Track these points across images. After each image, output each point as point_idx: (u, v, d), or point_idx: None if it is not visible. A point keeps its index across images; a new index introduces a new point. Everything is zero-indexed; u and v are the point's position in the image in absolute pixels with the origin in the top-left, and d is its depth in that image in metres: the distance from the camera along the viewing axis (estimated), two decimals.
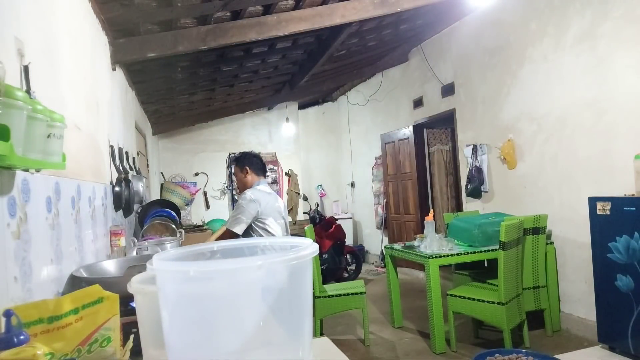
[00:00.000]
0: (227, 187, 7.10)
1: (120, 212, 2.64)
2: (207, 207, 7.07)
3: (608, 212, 2.70)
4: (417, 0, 3.60)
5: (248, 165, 2.80)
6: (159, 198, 5.21)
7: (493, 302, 3.08)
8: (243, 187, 2.81)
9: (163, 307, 0.70)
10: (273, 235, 2.66)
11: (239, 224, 2.56)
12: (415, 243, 3.84)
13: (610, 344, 2.75)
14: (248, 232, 2.63)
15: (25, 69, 1.14)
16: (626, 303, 2.59)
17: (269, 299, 0.69)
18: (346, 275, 6.14)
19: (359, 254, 6.59)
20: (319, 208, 7.45)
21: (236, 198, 6.92)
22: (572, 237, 3.58)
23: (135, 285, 0.87)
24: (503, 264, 3.05)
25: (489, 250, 3.46)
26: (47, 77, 1.41)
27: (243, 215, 2.57)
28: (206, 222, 6.49)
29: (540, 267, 3.53)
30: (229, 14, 3.05)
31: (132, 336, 0.93)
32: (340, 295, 3.67)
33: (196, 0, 2.65)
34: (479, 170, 4.58)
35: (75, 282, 1.33)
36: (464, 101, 4.88)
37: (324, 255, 5.80)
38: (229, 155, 7.04)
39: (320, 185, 8.08)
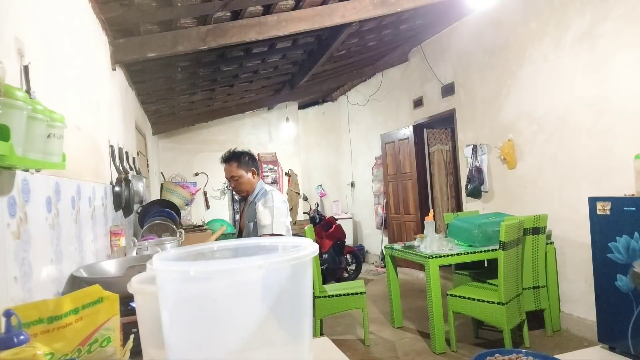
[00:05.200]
0: (227, 187, 7.10)
1: (120, 212, 2.64)
2: (207, 207, 7.07)
3: (608, 212, 2.70)
4: (417, 0, 3.60)
5: (255, 167, 2.69)
6: (159, 198, 5.21)
7: (493, 302, 3.08)
8: (250, 188, 2.65)
9: (163, 307, 0.70)
10: (290, 233, 2.67)
11: (284, 227, 2.51)
12: (415, 243, 3.83)
13: (610, 344, 2.75)
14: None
15: (25, 69, 1.14)
16: (626, 303, 2.60)
17: (269, 299, 0.69)
18: (346, 275, 6.14)
19: (359, 254, 6.59)
20: (319, 208, 7.45)
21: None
22: (572, 237, 3.57)
23: (135, 285, 0.87)
24: (503, 264, 3.05)
25: (489, 250, 3.46)
26: (47, 77, 1.41)
27: (283, 216, 2.53)
28: (206, 222, 6.49)
29: (540, 267, 3.53)
30: (229, 14, 3.04)
31: (132, 336, 0.93)
32: (340, 295, 3.67)
33: (196, 0, 2.65)
34: (479, 170, 4.58)
35: (75, 282, 1.33)
36: (464, 101, 4.88)
37: (324, 255, 5.80)
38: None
39: (320, 185, 8.08)
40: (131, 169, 3.07)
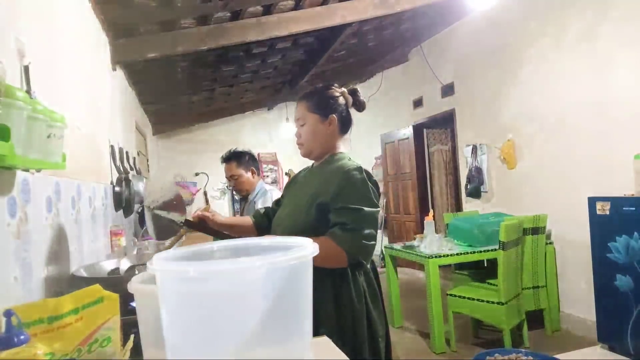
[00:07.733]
0: (227, 187, 7.10)
1: (120, 212, 2.64)
2: None
3: (608, 212, 2.70)
4: (417, 0, 3.60)
5: (255, 166, 2.71)
6: None
7: (493, 302, 3.08)
8: (249, 187, 2.68)
9: (163, 307, 0.70)
10: None
11: None
12: (415, 243, 3.83)
13: (610, 344, 2.75)
14: None
15: (26, 69, 1.14)
16: (626, 303, 2.60)
17: (269, 298, 0.69)
18: None
19: None
20: None
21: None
22: (572, 237, 3.57)
23: (135, 285, 0.87)
24: (503, 264, 3.05)
25: (488, 250, 3.46)
26: (47, 77, 1.41)
27: None
28: None
29: (540, 267, 3.53)
30: (229, 14, 3.04)
31: (132, 336, 0.93)
32: None
33: (196, 0, 2.65)
34: (478, 170, 4.58)
35: (75, 282, 1.33)
36: (464, 101, 4.88)
37: None
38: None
39: None
40: (131, 169, 3.07)
